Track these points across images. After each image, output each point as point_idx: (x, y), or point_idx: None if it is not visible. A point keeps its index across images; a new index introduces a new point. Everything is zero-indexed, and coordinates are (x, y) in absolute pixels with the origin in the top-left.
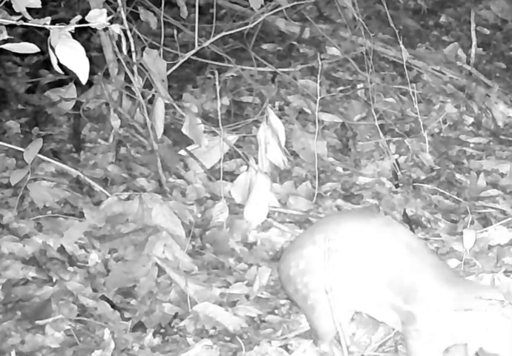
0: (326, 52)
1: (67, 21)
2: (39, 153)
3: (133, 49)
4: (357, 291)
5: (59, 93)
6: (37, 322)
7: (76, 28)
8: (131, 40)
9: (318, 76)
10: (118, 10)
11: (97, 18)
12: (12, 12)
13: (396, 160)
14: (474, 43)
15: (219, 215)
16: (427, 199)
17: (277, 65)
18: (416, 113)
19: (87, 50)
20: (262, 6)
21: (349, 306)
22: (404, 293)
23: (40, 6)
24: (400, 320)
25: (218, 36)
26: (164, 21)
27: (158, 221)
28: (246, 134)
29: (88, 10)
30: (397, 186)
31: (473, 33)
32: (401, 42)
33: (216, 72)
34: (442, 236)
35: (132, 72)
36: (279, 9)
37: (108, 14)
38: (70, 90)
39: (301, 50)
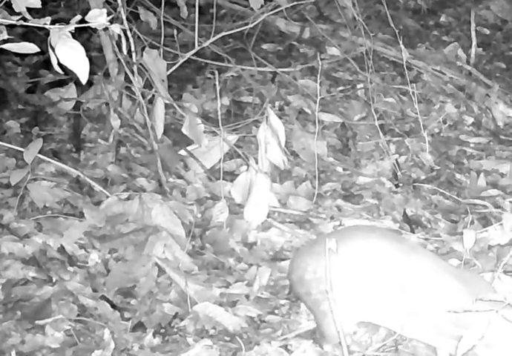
0: (326, 52)
1: (67, 21)
2: (39, 153)
3: (133, 49)
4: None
5: (59, 93)
6: (37, 322)
7: (76, 28)
8: (131, 40)
9: (318, 76)
10: (118, 10)
11: (97, 18)
12: (12, 12)
13: (396, 160)
14: (474, 43)
15: (219, 215)
16: (427, 199)
17: (277, 65)
18: (416, 113)
19: (87, 50)
20: (262, 6)
21: (360, 316)
22: (450, 319)
23: (40, 6)
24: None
25: (218, 36)
26: (164, 21)
27: (158, 221)
28: (246, 134)
29: (88, 9)
30: (397, 186)
31: (473, 33)
32: (401, 42)
33: (216, 72)
34: (442, 236)
35: (132, 72)
36: (279, 9)
37: (108, 14)
38: (70, 90)
39: (301, 50)
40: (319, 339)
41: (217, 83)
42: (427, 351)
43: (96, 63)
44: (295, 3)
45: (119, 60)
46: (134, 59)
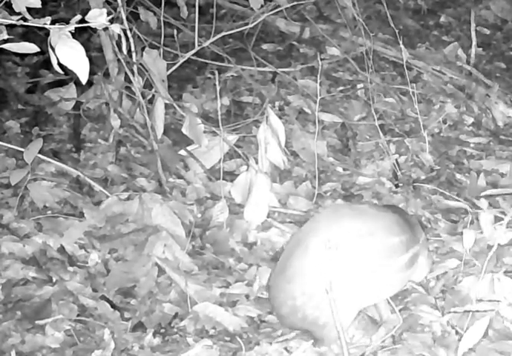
0: (326, 52)
1: (67, 21)
2: (39, 153)
3: (133, 49)
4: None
5: (59, 93)
6: (37, 322)
7: (76, 28)
8: (131, 40)
9: (318, 76)
10: (118, 10)
11: (97, 18)
12: (12, 12)
13: (396, 160)
14: (474, 43)
15: (219, 215)
16: (427, 199)
17: (277, 65)
18: (416, 113)
19: (87, 50)
20: (262, 6)
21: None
22: None
23: (40, 6)
24: None
25: (218, 36)
26: (164, 21)
27: (158, 221)
28: (246, 134)
29: (88, 10)
30: (397, 186)
31: (473, 33)
32: (401, 42)
33: (216, 72)
34: (442, 236)
35: (132, 72)
36: (279, 9)
37: (108, 14)
38: (70, 90)
39: (301, 50)
40: (316, 342)
41: (217, 83)
42: (426, 351)
43: (96, 63)
44: (295, 3)
45: (119, 60)
46: (134, 59)
